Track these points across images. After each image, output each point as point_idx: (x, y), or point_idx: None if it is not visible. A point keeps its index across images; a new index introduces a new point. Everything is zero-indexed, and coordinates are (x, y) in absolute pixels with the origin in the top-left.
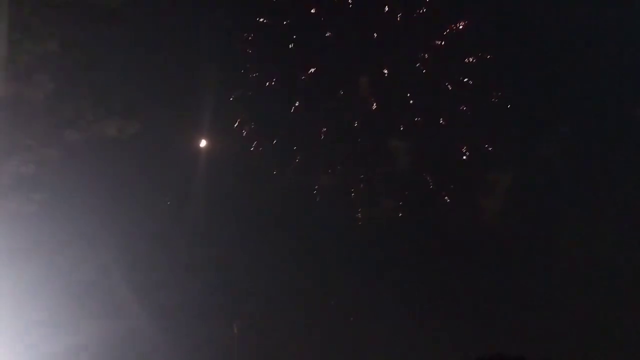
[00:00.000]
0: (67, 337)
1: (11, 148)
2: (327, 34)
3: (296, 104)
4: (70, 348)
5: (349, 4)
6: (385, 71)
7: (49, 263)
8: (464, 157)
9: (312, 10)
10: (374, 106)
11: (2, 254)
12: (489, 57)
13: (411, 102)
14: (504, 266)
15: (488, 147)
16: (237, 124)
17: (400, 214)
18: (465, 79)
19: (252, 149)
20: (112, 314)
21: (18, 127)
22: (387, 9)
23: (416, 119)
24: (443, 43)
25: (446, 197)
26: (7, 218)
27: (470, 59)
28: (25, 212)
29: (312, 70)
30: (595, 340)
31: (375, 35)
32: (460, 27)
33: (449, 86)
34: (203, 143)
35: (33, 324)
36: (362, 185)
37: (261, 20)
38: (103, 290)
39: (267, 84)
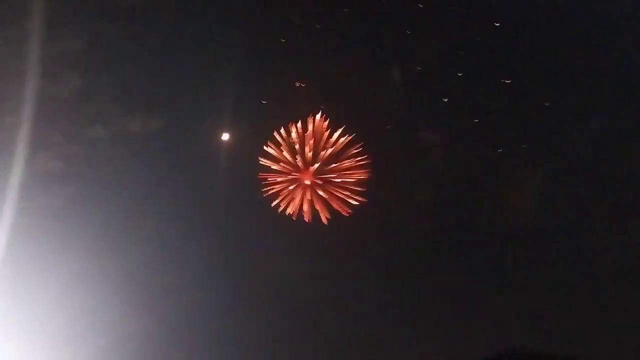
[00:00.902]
0: (98, 332)
1: (39, 145)
2: (358, 31)
3: (324, 101)
4: (100, 343)
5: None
6: (418, 67)
7: (78, 257)
8: (497, 153)
9: (344, 8)
10: (407, 101)
11: (32, 249)
12: (522, 52)
13: (445, 100)
14: (533, 263)
15: (521, 144)
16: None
17: (431, 210)
18: (502, 78)
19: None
20: (142, 308)
21: (45, 124)
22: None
23: (449, 115)
24: (478, 39)
25: (477, 193)
26: (36, 213)
27: (504, 56)
28: (54, 207)
29: (341, 68)
30: (623, 339)
31: (408, 31)
32: (496, 24)
33: (483, 83)
34: (226, 137)
35: (64, 319)
36: (393, 180)
37: (288, 17)
38: (132, 284)
39: (298, 84)
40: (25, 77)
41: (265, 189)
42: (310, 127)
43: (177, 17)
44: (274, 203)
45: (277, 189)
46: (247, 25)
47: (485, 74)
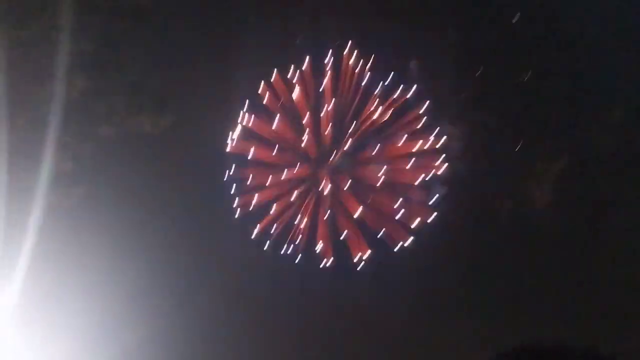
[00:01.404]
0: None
1: (50, 146)
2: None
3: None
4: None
5: None
6: (437, 59)
7: (88, 255)
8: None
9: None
10: (424, 94)
11: (45, 246)
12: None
13: (462, 95)
14: (554, 257)
15: (539, 138)
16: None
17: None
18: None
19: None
20: (148, 306)
21: (56, 125)
22: None
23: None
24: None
25: (497, 187)
26: (49, 212)
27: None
28: (65, 205)
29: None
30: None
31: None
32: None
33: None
34: (234, 136)
35: (77, 315)
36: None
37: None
38: (141, 283)
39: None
40: (36, 79)
41: (242, 200)
42: (329, 75)
43: (184, 18)
44: (257, 229)
45: (263, 200)
46: (253, 24)
47: (502, 71)
